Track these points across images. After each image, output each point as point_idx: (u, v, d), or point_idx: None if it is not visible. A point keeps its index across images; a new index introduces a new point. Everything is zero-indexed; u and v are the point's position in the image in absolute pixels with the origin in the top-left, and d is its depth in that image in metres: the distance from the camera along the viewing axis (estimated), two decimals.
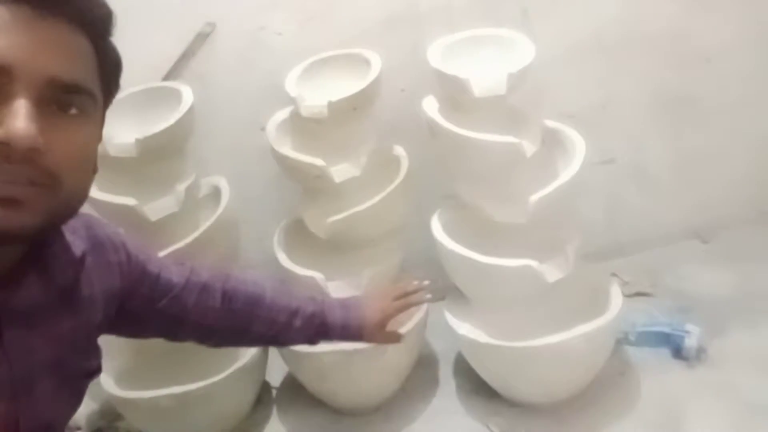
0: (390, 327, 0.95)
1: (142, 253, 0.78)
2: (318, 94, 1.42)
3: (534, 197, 1.28)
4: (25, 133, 0.48)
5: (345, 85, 1.43)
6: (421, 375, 1.58)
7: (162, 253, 1.36)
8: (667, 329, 1.52)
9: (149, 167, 1.44)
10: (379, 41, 1.59)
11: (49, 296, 0.60)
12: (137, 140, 1.36)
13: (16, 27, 0.49)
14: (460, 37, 1.46)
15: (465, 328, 1.37)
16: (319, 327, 0.88)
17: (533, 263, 1.28)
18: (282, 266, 1.47)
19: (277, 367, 1.63)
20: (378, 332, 0.92)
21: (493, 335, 1.33)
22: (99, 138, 0.60)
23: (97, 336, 0.71)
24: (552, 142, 1.42)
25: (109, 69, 0.59)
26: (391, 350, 1.37)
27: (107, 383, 1.43)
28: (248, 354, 1.47)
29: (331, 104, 1.36)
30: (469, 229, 1.43)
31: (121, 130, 1.43)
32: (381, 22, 1.63)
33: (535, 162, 1.36)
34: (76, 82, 0.53)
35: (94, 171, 0.59)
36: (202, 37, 1.56)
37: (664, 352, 1.51)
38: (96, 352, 0.70)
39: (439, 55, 1.39)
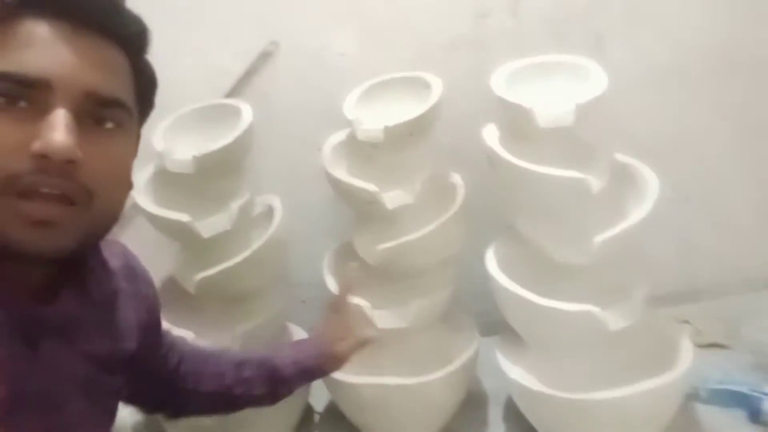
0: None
1: (160, 303, 0.78)
2: (376, 118, 1.39)
3: (599, 238, 1.18)
4: (64, 145, 0.48)
5: (404, 109, 1.39)
6: (469, 415, 1.50)
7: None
8: (744, 389, 1.37)
9: (205, 184, 1.45)
10: (442, 65, 1.54)
11: (86, 311, 0.61)
12: (194, 157, 1.36)
13: (56, 42, 0.50)
14: (526, 63, 1.39)
15: (517, 372, 1.29)
16: (272, 372, 0.84)
17: (595, 309, 1.18)
18: (329, 290, 1.43)
19: (322, 391, 1.59)
20: (342, 360, 0.89)
21: (548, 383, 1.24)
22: (134, 153, 0.60)
23: (129, 365, 0.70)
24: (621, 178, 1.33)
25: (144, 85, 0.60)
26: (435, 386, 1.31)
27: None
28: None
29: (387, 129, 1.32)
30: (527, 267, 1.35)
31: (181, 145, 1.45)
32: (445, 45, 1.59)
33: (602, 199, 1.26)
34: (113, 96, 0.54)
35: (130, 187, 0.59)
36: (265, 56, 1.57)
37: (740, 414, 1.36)
38: (124, 372, 0.69)
39: (503, 82, 1.32)
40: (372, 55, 1.59)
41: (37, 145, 0.48)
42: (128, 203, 1.55)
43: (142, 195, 1.41)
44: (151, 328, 0.75)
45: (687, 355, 1.22)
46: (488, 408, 1.53)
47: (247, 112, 1.46)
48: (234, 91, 1.58)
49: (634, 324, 1.22)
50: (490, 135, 1.32)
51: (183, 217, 1.35)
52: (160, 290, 1.50)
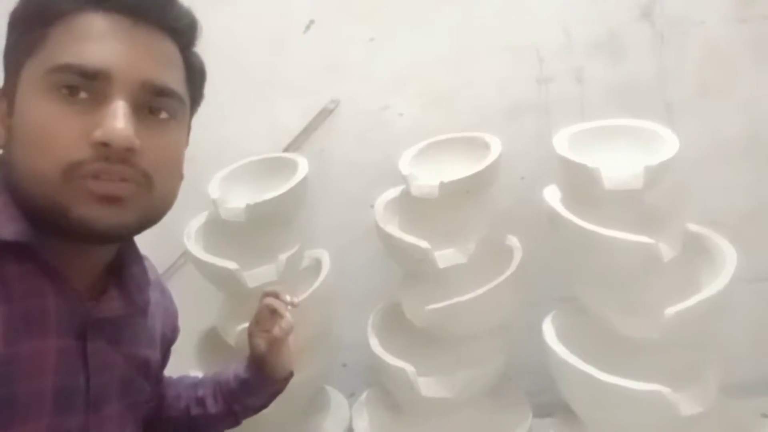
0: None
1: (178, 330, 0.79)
2: (432, 175, 1.36)
3: (671, 310, 1.09)
4: (124, 133, 0.50)
5: (461, 168, 1.36)
6: None
7: None
8: None
9: (256, 235, 1.44)
10: (503, 128, 1.52)
11: (128, 313, 0.62)
12: (247, 206, 1.36)
13: (115, 35, 0.52)
14: (591, 126, 1.35)
15: None
16: (221, 388, 0.82)
17: (666, 390, 1.06)
18: (373, 352, 1.36)
19: None
20: (264, 360, 0.81)
21: None
22: (186, 143, 0.62)
23: (158, 372, 0.72)
24: (695, 250, 1.23)
25: (195, 77, 0.62)
26: None
27: None
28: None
29: (443, 185, 1.29)
30: (588, 340, 1.25)
31: (236, 195, 1.45)
32: (506, 109, 1.57)
33: (673, 269, 1.17)
34: (167, 86, 0.55)
35: (182, 176, 0.61)
36: (325, 113, 1.59)
37: None
38: (151, 382, 0.70)
39: (565, 143, 1.28)
40: (432, 118, 1.58)
41: (98, 134, 0.50)
42: (179, 251, 1.54)
43: (192, 241, 1.41)
44: (168, 346, 0.76)
45: None
46: None
47: (303, 166, 1.46)
48: (293, 146, 1.60)
49: (707, 411, 1.09)
50: (552, 196, 1.26)
51: (231, 264, 1.34)
52: (201, 341, 1.50)
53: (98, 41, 0.52)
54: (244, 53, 1.56)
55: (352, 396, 1.55)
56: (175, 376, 0.88)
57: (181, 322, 1.57)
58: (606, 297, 1.21)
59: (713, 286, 1.10)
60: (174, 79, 0.57)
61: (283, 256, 1.38)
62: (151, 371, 0.69)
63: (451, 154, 1.47)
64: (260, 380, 0.82)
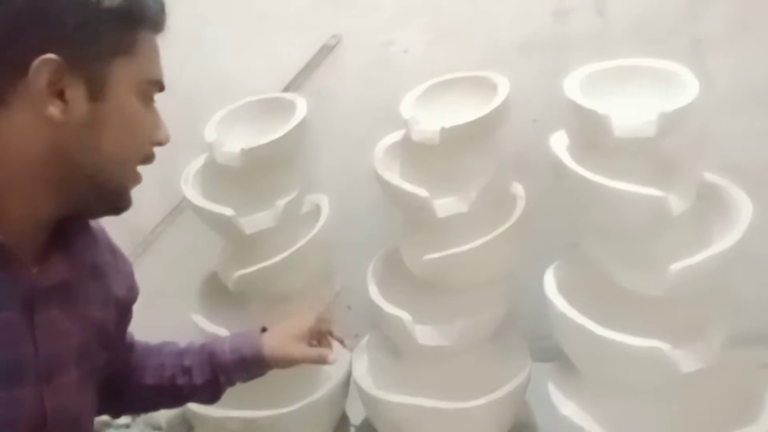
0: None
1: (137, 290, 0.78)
2: (435, 119, 1.29)
3: (676, 266, 1.03)
4: (170, 136, 0.64)
5: (466, 111, 1.28)
6: None
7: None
8: None
9: (253, 179, 1.41)
10: (515, 66, 1.43)
11: (76, 275, 0.63)
12: (243, 150, 1.32)
13: (158, 51, 0.62)
14: (607, 66, 1.25)
15: (569, 409, 1.15)
16: (211, 357, 0.82)
17: (665, 347, 1.03)
18: (371, 299, 1.35)
19: (359, 405, 1.51)
20: (285, 365, 0.85)
21: (605, 425, 1.10)
22: None
23: (118, 333, 0.73)
24: (709, 200, 1.16)
25: None
26: (476, 414, 1.19)
27: None
28: (325, 387, 1.37)
29: (444, 130, 1.22)
30: (590, 293, 1.20)
31: (234, 137, 1.42)
32: (519, 45, 1.47)
33: (684, 222, 1.11)
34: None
35: None
36: (326, 50, 1.51)
37: None
38: (108, 347, 0.70)
39: (577, 85, 1.19)
40: (439, 54, 1.49)
41: (161, 137, 0.62)
42: (181, 195, 1.52)
43: (190, 186, 1.39)
44: (127, 308, 0.74)
45: None
46: None
47: (302, 107, 1.41)
48: (293, 85, 1.53)
49: (709, 368, 1.06)
50: (559, 143, 1.19)
51: (227, 211, 1.32)
52: (202, 285, 1.51)
53: (159, 58, 0.62)
54: None
55: (356, 337, 1.56)
56: (157, 340, 0.87)
57: (186, 265, 1.59)
58: (611, 250, 1.16)
59: (723, 242, 1.04)
60: None
61: (281, 202, 1.36)
62: (108, 334, 0.68)
63: (456, 94, 1.39)
64: (259, 364, 0.83)
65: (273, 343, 0.84)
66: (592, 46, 1.43)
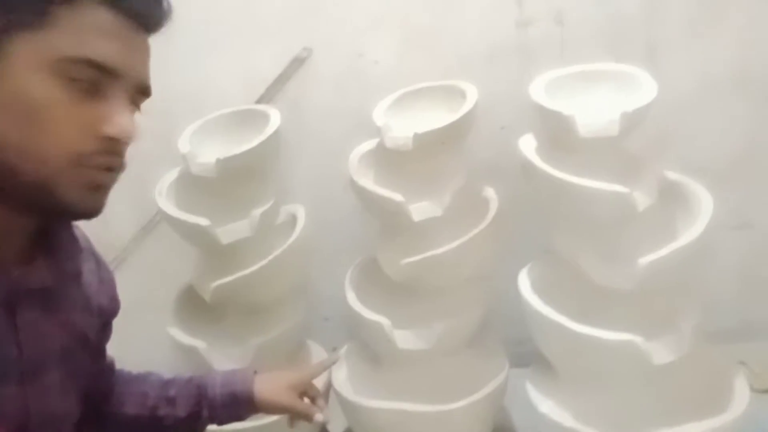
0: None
1: (119, 304, 0.76)
2: (407, 126, 1.32)
3: (644, 260, 1.07)
4: (133, 132, 0.55)
5: (437, 118, 1.31)
6: None
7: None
8: None
9: (228, 189, 1.41)
10: (482, 74, 1.47)
11: (59, 281, 0.62)
12: (218, 160, 1.33)
13: (122, 35, 0.55)
14: (569, 71, 1.30)
15: (548, 406, 1.17)
16: (199, 390, 0.82)
17: (638, 339, 1.06)
18: (350, 306, 1.35)
19: (339, 416, 1.50)
20: (272, 410, 0.86)
21: (582, 419, 1.12)
22: None
23: (99, 344, 0.71)
24: (672, 198, 1.20)
25: None
26: (458, 416, 1.20)
27: None
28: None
29: (416, 136, 1.25)
30: (565, 291, 1.23)
31: (208, 149, 1.42)
32: (485, 54, 1.52)
33: (649, 219, 1.15)
34: (150, 87, 0.59)
35: None
36: (298, 62, 1.53)
37: None
38: (91, 353, 0.69)
39: (542, 89, 1.23)
40: (408, 64, 1.53)
41: (108, 129, 0.53)
42: (155, 208, 1.51)
43: (164, 198, 1.38)
44: (108, 319, 0.74)
45: (741, 398, 1.08)
46: None
47: (275, 118, 1.42)
48: (265, 97, 1.55)
49: (681, 359, 1.09)
50: (527, 145, 1.22)
51: (202, 221, 1.31)
52: (178, 298, 1.49)
53: (113, 40, 0.54)
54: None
55: (334, 350, 1.55)
56: (141, 370, 0.87)
57: (161, 278, 1.58)
58: (581, 246, 1.19)
59: (687, 234, 1.08)
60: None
61: (256, 212, 1.36)
62: (90, 343, 0.68)
63: (427, 102, 1.42)
64: (248, 403, 0.83)
65: (265, 386, 0.85)
66: (553, 53, 1.48)
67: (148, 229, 1.63)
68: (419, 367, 1.33)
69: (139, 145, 1.69)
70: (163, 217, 1.42)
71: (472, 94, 1.33)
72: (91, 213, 0.56)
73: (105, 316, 0.71)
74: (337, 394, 1.35)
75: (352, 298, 1.37)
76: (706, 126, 1.49)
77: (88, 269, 0.68)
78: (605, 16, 1.45)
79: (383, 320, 1.27)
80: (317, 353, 1.54)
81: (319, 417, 0.87)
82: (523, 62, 1.49)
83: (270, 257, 1.32)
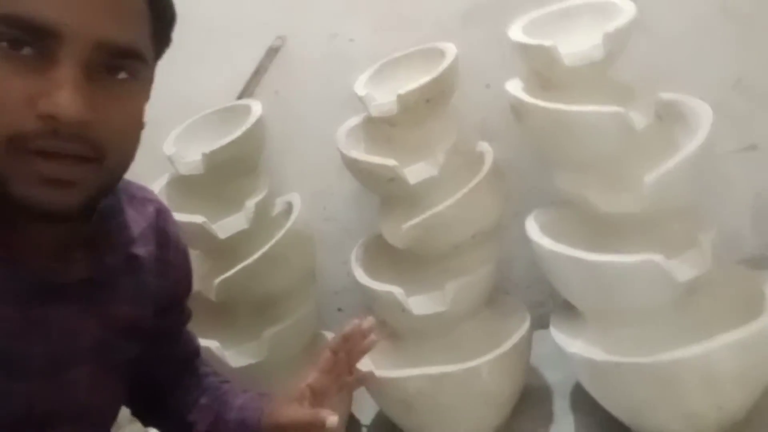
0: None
1: (191, 283, 0.76)
2: (391, 95, 1.30)
3: (649, 177, 1.03)
4: (73, 107, 0.45)
5: (420, 80, 1.29)
6: (531, 410, 1.32)
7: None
8: None
9: (219, 185, 1.39)
10: (461, 36, 1.45)
11: (99, 275, 0.58)
12: (204, 155, 1.31)
13: None
14: (546, 11, 1.28)
15: (577, 346, 1.12)
16: (219, 407, 0.77)
17: (658, 258, 1.01)
18: (360, 283, 1.32)
19: (368, 403, 1.45)
20: (282, 425, 0.74)
21: (614, 351, 1.06)
22: (147, 98, 0.57)
23: (147, 336, 0.67)
24: (670, 117, 1.17)
25: (161, 23, 0.56)
26: (486, 372, 1.16)
27: None
28: None
29: (400, 97, 1.23)
30: (575, 229, 1.20)
31: (194, 150, 1.40)
32: (462, 15, 1.50)
33: (649, 139, 1.12)
34: (127, 46, 0.49)
35: (139, 137, 0.56)
36: (272, 52, 1.52)
37: None
38: (142, 340, 0.67)
39: (520, 30, 1.21)
40: (384, 38, 1.51)
41: (45, 107, 0.44)
42: None
43: None
44: (174, 299, 0.71)
45: None
46: (553, 401, 1.35)
47: (257, 108, 1.40)
48: (245, 92, 1.53)
49: (707, 275, 1.05)
50: (514, 87, 1.20)
51: (197, 218, 1.29)
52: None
53: None
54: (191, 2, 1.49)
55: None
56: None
57: None
58: (584, 178, 1.16)
59: (689, 146, 1.05)
60: (136, 35, 0.50)
61: (250, 203, 1.33)
62: (141, 330, 0.65)
63: (408, 69, 1.40)
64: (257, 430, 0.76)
65: (270, 408, 0.76)
66: (532, 4, 1.46)
67: None
68: (439, 332, 1.29)
69: None
70: None
71: (451, 50, 1.31)
72: (53, 213, 0.47)
73: (166, 299, 0.68)
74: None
75: (360, 274, 1.33)
76: (697, 57, 1.47)
77: (146, 252, 0.64)
78: None
79: (395, 289, 1.23)
80: None
81: (331, 421, 0.71)
82: (499, 17, 1.47)
83: (269, 244, 1.29)
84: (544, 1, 1.42)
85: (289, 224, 1.33)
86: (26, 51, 0.45)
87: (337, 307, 1.67)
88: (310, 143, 1.57)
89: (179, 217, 1.28)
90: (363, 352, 0.83)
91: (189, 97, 1.53)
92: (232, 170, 1.37)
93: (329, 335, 1.52)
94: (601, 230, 1.17)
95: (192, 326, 1.39)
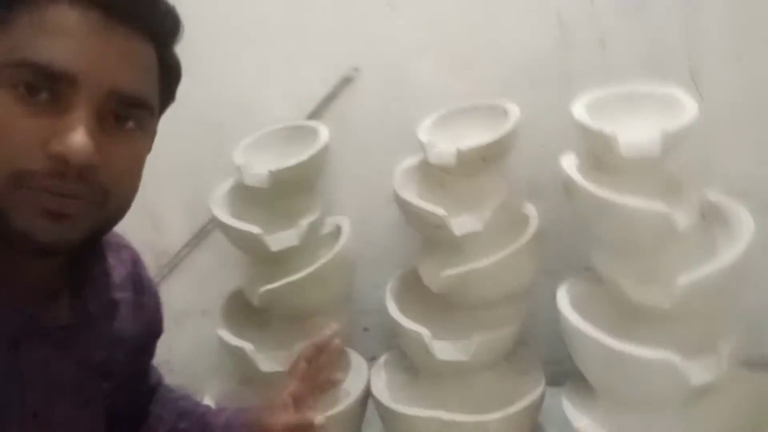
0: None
1: (162, 325, 0.75)
2: (451, 143, 1.36)
3: (683, 279, 1.08)
4: (84, 150, 0.46)
5: (480, 136, 1.36)
6: None
7: None
8: None
9: (279, 200, 1.49)
10: (524, 95, 1.50)
11: (80, 320, 0.58)
12: (270, 172, 1.40)
13: (86, 34, 0.48)
14: (611, 92, 1.32)
15: (584, 423, 1.18)
16: (204, 429, 0.77)
17: (675, 358, 1.07)
18: (390, 316, 1.40)
19: (375, 424, 1.54)
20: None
21: None
22: (150, 149, 0.58)
23: (123, 369, 0.68)
24: (713, 219, 1.21)
25: (169, 79, 0.58)
26: (493, 427, 1.23)
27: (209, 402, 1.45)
28: (344, 402, 1.40)
29: (460, 152, 1.30)
30: (603, 309, 1.25)
31: (260, 162, 1.50)
32: (527, 75, 1.55)
33: (689, 239, 1.16)
34: (138, 96, 0.52)
35: (138, 187, 0.57)
36: (345, 81, 1.60)
37: None
38: (114, 380, 0.67)
39: (584, 109, 1.26)
40: (451, 84, 1.58)
41: (56, 147, 0.46)
42: (208, 216, 1.59)
43: (219, 207, 1.46)
44: (146, 343, 0.72)
45: None
46: None
47: (324, 133, 1.49)
48: (315, 114, 1.62)
49: (723, 383, 1.10)
50: (569, 163, 1.25)
51: (254, 229, 1.39)
52: (226, 302, 1.57)
53: (67, 38, 0.47)
54: (271, 22, 1.58)
55: (372, 360, 1.60)
56: (182, 360, 0.88)
57: (210, 284, 1.66)
58: (620, 265, 1.21)
59: (727, 256, 1.09)
60: (146, 86, 0.53)
61: (304, 222, 1.43)
62: (113, 370, 0.65)
63: (470, 121, 1.46)
64: None
65: (254, 419, 0.77)
66: (595, 75, 1.50)
67: (200, 236, 1.72)
68: (457, 378, 1.36)
69: (194, 155, 1.78)
70: (216, 224, 1.50)
71: (515, 113, 1.37)
72: (51, 245, 0.48)
73: (138, 343, 0.69)
74: (376, 402, 1.39)
75: (393, 308, 1.41)
76: (747, 150, 1.49)
77: (121, 298, 0.65)
78: (647, 39, 1.48)
79: (423, 331, 1.31)
80: (356, 362, 1.59)
81: (319, 419, 0.75)
82: (564, 83, 1.52)
83: (315, 265, 1.38)
84: (609, 78, 1.48)
85: (336, 249, 1.41)
86: (43, 96, 0.47)
87: (364, 327, 1.75)
88: (365, 171, 1.65)
89: (237, 224, 1.40)
90: (335, 358, 0.83)
91: (261, 109, 1.63)
92: (292, 188, 1.47)
93: (353, 354, 1.62)
94: (628, 314, 1.22)
95: (229, 325, 1.51)
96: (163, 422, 0.78)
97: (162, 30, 0.54)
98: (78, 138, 0.46)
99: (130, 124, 0.52)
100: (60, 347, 0.57)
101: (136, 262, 0.69)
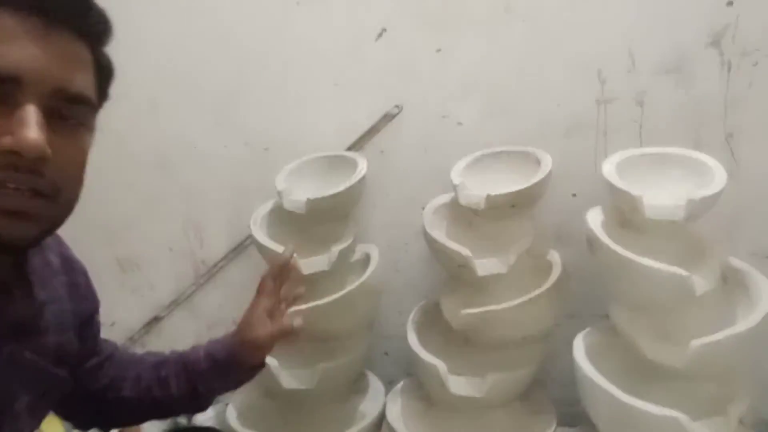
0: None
1: (97, 297, 0.77)
2: (481, 186, 1.42)
3: (697, 342, 1.11)
4: (36, 142, 0.49)
5: (511, 182, 1.41)
6: None
7: None
8: None
9: (314, 226, 1.57)
10: (559, 144, 1.56)
11: (33, 310, 0.61)
12: (308, 200, 1.48)
13: (28, 37, 0.51)
14: (643, 152, 1.37)
15: None
16: (186, 367, 0.80)
17: (683, 418, 1.10)
18: (409, 346, 1.45)
19: None
20: (259, 347, 0.81)
21: None
22: (91, 145, 0.60)
23: (76, 350, 0.71)
24: (734, 285, 1.24)
25: (104, 78, 0.61)
26: None
27: (231, 415, 1.53)
28: (358, 425, 1.46)
29: (489, 197, 1.36)
30: (617, 361, 1.29)
31: (300, 188, 1.58)
32: (564, 126, 1.61)
33: (707, 302, 1.19)
34: (80, 93, 0.55)
35: (83, 184, 0.59)
36: (388, 117, 1.68)
37: None
38: (70, 363, 0.70)
39: (614, 167, 1.31)
40: (489, 128, 1.64)
41: (8, 142, 0.49)
42: (247, 233, 1.67)
43: (257, 226, 1.55)
44: (87, 318, 0.74)
45: None
46: None
47: (362, 166, 1.56)
48: (356, 145, 1.70)
49: None
50: (594, 218, 1.30)
51: None
52: None
53: (10, 44, 0.50)
54: (322, 56, 1.68)
55: (390, 383, 1.65)
56: (138, 352, 0.88)
57: (244, 297, 1.73)
58: (637, 321, 1.25)
59: (743, 323, 1.12)
60: (86, 84, 0.56)
61: (336, 248, 1.50)
62: (68, 354, 0.68)
63: (503, 166, 1.52)
64: (232, 364, 0.80)
65: (238, 338, 0.80)
66: (631, 132, 1.55)
67: (237, 251, 1.81)
68: (469, 413, 1.41)
69: (240, 176, 1.87)
70: (253, 242, 1.59)
71: (547, 163, 1.42)
72: (14, 243, 0.51)
73: (82, 320, 0.71)
74: (390, 428, 1.44)
75: (412, 339, 1.47)
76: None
77: (60, 283, 0.68)
78: (686, 100, 1.51)
79: (440, 364, 1.36)
80: (374, 385, 1.65)
81: (297, 323, 0.82)
82: (600, 138, 1.57)
83: (343, 292, 1.45)
84: (644, 137, 1.52)
85: (364, 278, 1.48)
86: None
87: (384, 351, 1.81)
88: (398, 203, 1.72)
89: (271, 245, 1.48)
90: (295, 275, 0.91)
91: (305, 137, 1.72)
92: (327, 216, 1.55)
93: (371, 377, 1.68)
94: (641, 369, 1.26)
95: None
96: (141, 379, 0.80)
97: (96, 32, 0.57)
98: (30, 132, 0.49)
99: (74, 121, 0.55)
100: (20, 340, 0.59)
101: (60, 244, 0.71)
